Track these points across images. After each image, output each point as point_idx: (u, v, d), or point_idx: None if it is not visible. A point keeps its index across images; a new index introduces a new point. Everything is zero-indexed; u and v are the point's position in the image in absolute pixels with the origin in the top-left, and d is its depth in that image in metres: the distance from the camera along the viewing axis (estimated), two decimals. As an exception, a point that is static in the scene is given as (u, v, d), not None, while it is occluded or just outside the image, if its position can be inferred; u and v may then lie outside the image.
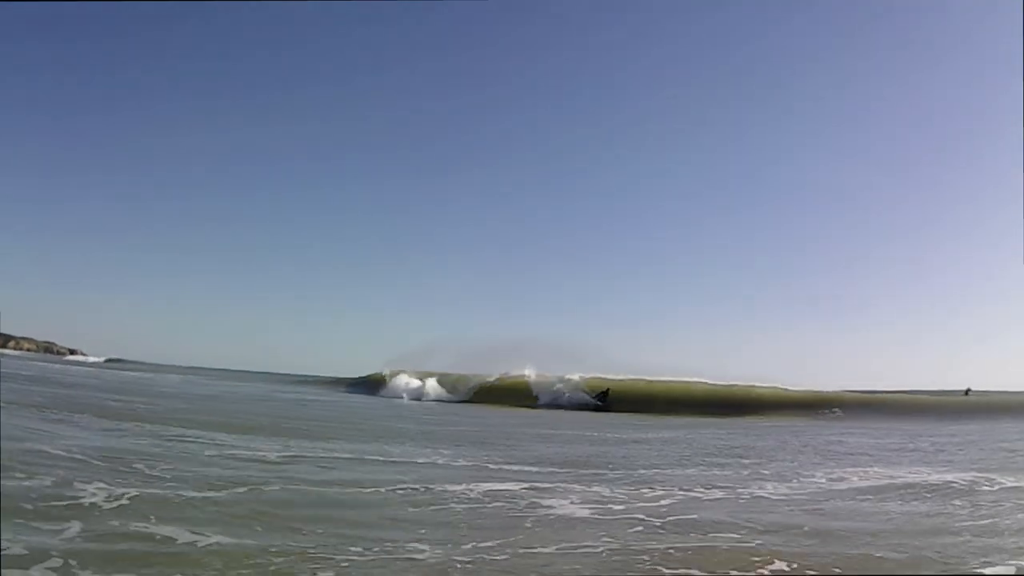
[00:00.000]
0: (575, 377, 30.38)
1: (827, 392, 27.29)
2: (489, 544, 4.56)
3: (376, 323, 68.68)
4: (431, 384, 32.64)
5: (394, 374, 34.74)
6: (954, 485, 7.13)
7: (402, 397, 31.29)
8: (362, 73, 67.29)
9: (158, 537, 4.31)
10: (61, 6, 54.92)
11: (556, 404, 28.44)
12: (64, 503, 4.84)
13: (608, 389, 28.89)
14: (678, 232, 63.34)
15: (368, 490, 6.25)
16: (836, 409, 25.28)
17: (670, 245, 64.74)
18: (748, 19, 61.25)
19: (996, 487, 6.97)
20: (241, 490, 5.77)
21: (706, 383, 28.85)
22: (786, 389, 27.91)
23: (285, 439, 9.78)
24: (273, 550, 4.19)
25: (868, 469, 8.77)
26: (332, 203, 71.17)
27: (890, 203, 62.76)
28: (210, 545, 4.23)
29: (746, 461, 9.93)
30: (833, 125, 61.69)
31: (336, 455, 8.53)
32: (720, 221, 60.60)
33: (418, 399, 30.85)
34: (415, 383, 33.20)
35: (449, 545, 4.50)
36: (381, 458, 8.57)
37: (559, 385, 30.18)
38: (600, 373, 30.72)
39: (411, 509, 5.62)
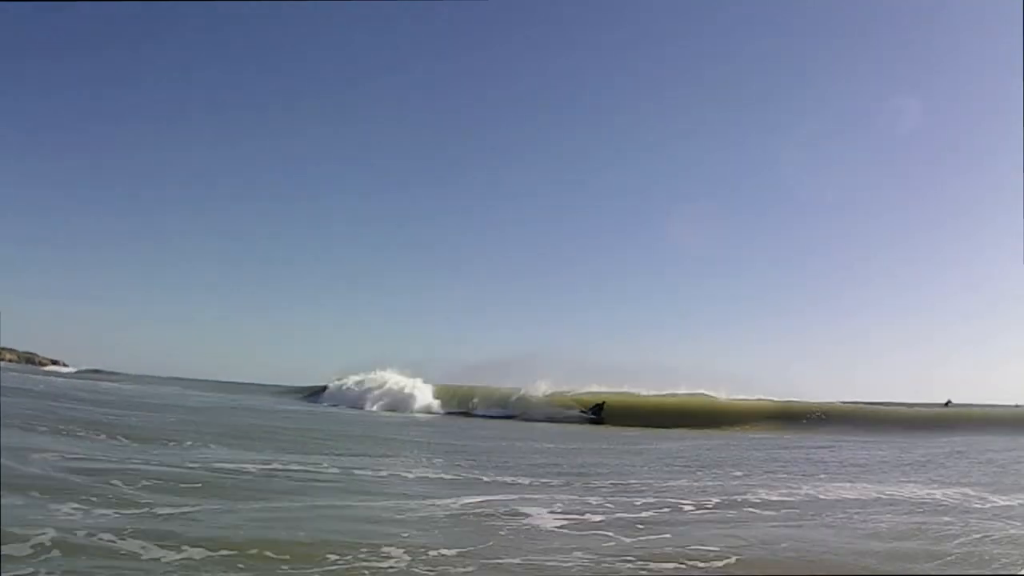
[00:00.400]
0: (538, 393, 29.66)
1: (811, 402, 27.45)
2: (457, 555, 4.55)
3: (356, 333, 67.77)
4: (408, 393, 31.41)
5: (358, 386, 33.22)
6: (945, 502, 7.09)
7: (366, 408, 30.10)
8: (345, 77, 66.68)
9: (124, 552, 4.26)
10: (54, 11, 54.19)
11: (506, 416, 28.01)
12: (39, 517, 4.74)
13: (604, 403, 28.61)
14: (662, 238, 62.79)
15: (355, 504, 6.17)
16: (821, 415, 25.52)
17: (652, 252, 64.40)
18: (748, 21, 61.18)
19: (988, 504, 6.95)
20: (216, 505, 5.69)
21: (692, 394, 28.83)
22: (772, 400, 28.03)
23: (270, 452, 9.65)
24: (241, 565, 4.15)
25: (856, 483, 8.73)
26: (308, 213, 70.35)
27: (877, 212, 62.91)
28: (180, 559, 4.19)
29: (737, 473, 9.92)
30: (824, 129, 61.70)
31: (320, 468, 8.41)
32: (707, 228, 60.21)
33: (360, 407, 29.65)
34: (402, 392, 31.79)
35: (418, 555, 4.49)
36: (369, 472, 8.45)
37: (514, 398, 29.66)
38: (579, 386, 30.45)
39: (390, 519, 5.58)
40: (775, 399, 28.14)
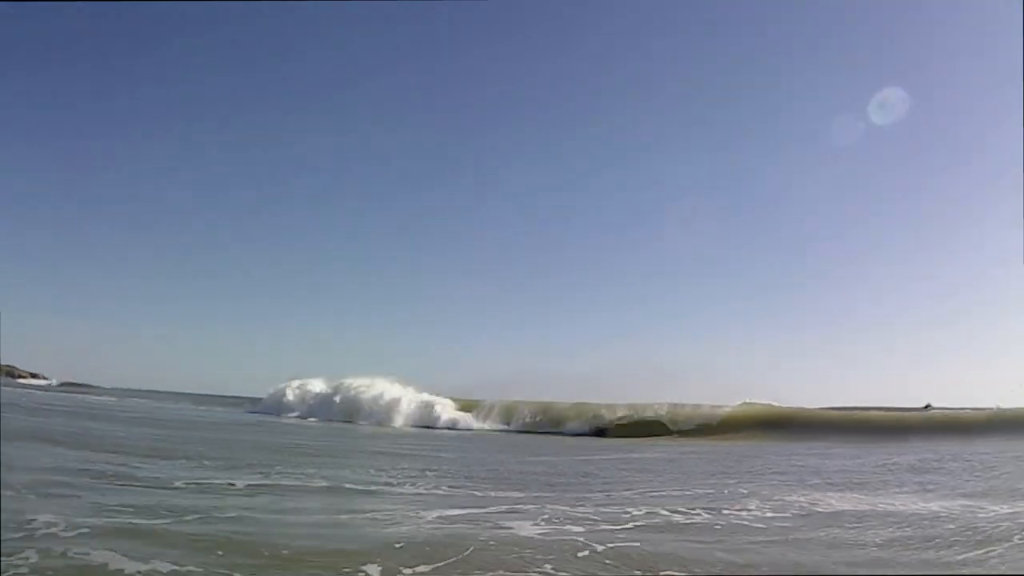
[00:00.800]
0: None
1: (795, 408, 27.29)
2: (432, 571, 4.46)
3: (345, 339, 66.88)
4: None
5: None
6: (944, 513, 6.91)
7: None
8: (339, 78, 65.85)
9: (94, 563, 4.19)
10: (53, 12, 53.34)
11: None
12: (16, 535, 4.65)
13: (612, 424, 28.11)
14: (657, 240, 62.13)
15: (340, 518, 5.98)
16: (807, 421, 25.37)
17: (645, 255, 64.00)
18: (745, 19, 60.57)
19: (991, 513, 6.79)
20: (190, 517, 5.59)
21: (685, 404, 28.49)
22: (760, 404, 27.85)
23: (258, 465, 9.54)
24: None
25: (847, 493, 8.54)
26: (290, 220, 69.71)
27: (857, 212, 62.76)
28: (145, 570, 4.14)
29: (730, 481, 9.79)
30: (808, 130, 61.26)
31: (309, 482, 8.21)
32: (694, 231, 59.61)
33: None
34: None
35: (393, 573, 4.39)
36: (358, 485, 8.29)
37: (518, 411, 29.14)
38: (572, 397, 30.07)
39: (374, 533, 5.43)
40: (761, 403, 27.96)
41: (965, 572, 4.67)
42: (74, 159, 68.44)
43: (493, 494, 8.02)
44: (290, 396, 32.88)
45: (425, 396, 30.41)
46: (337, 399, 31.18)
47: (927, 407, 29.75)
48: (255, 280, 69.42)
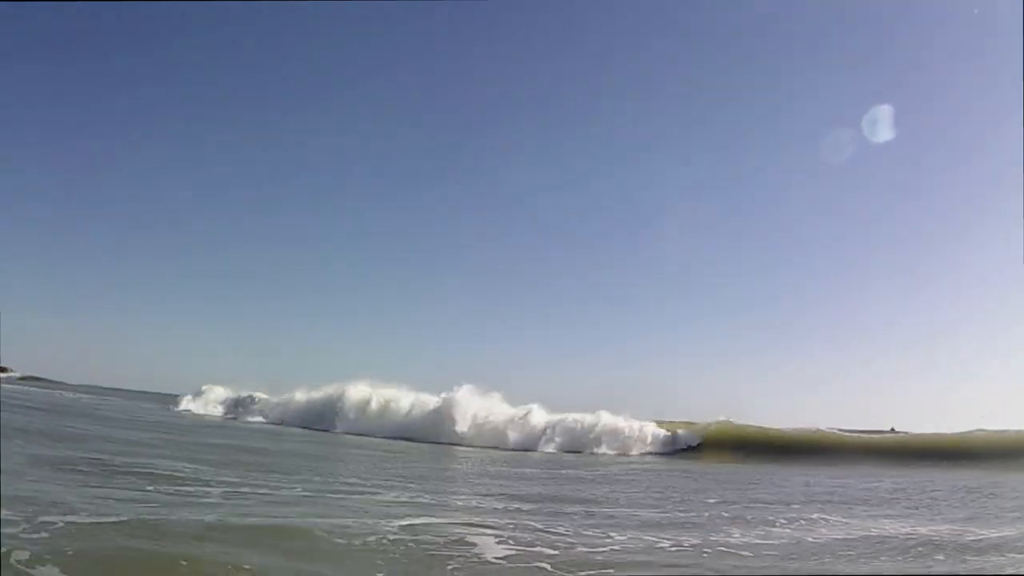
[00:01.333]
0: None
1: (765, 429, 27.14)
2: None
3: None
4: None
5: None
6: (935, 538, 6.78)
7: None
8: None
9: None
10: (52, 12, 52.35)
11: None
12: None
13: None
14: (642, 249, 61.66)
15: (311, 529, 5.75)
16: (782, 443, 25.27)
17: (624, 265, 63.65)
18: (744, 18, 60.07)
19: (980, 537, 6.73)
20: (160, 512, 5.60)
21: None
22: (736, 423, 27.72)
23: (238, 471, 9.38)
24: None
25: (832, 517, 8.42)
26: (275, 225, 68.73)
27: (825, 233, 62.74)
28: None
29: (711, 500, 9.65)
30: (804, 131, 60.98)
31: (291, 491, 8.00)
32: (682, 234, 58.94)
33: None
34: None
35: None
36: (340, 494, 8.08)
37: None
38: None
39: (341, 546, 5.27)
40: (739, 422, 27.83)
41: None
42: (74, 159, 67.25)
43: (473, 504, 7.88)
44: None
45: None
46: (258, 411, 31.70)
47: (892, 430, 29.95)
48: (247, 281, 68.44)
